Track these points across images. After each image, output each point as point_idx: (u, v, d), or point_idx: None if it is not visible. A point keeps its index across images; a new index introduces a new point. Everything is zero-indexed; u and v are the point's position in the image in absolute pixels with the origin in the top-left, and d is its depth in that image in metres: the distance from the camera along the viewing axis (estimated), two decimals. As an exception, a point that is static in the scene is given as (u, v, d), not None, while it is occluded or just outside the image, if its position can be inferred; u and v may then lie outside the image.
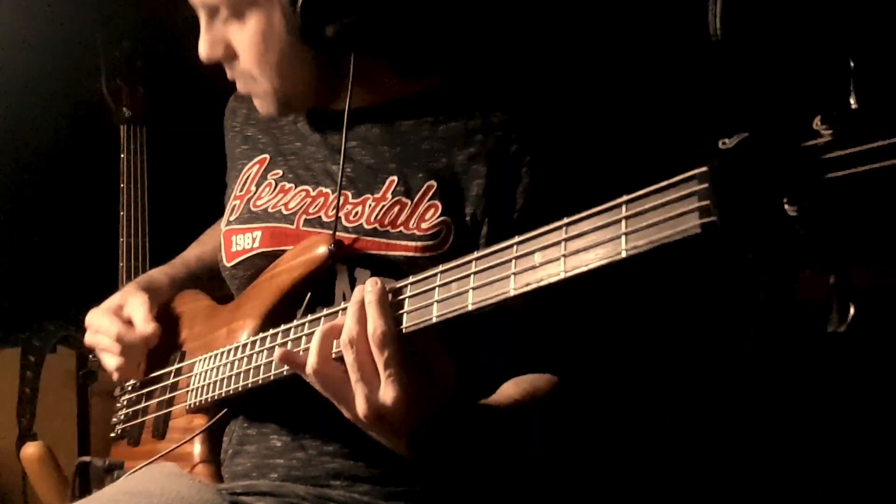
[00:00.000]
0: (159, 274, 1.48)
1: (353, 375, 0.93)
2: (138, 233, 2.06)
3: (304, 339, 1.08)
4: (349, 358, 0.93)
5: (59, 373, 2.21)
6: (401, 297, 0.95)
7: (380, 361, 0.92)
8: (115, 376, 1.36)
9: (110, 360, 1.34)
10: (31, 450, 1.92)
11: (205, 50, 1.22)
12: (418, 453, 0.99)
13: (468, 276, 0.89)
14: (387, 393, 0.92)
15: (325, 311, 1.06)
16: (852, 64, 0.64)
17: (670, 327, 1.70)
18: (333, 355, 0.97)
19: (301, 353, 1.03)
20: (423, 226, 1.16)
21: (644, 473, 1.73)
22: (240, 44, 1.20)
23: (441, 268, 0.93)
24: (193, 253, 1.55)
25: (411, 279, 0.95)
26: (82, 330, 1.40)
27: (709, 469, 1.70)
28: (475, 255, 0.90)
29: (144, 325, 1.33)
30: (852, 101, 0.64)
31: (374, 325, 0.92)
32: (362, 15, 1.14)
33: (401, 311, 0.95)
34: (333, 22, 1.13)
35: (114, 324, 1.33)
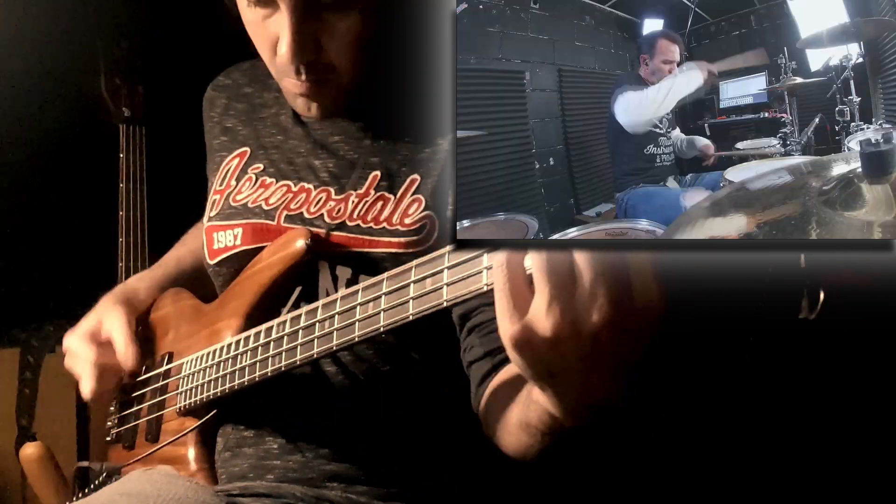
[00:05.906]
0: (136, 281, 1.44)
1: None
2: (137, 233, 2.06)
3: (285, 338, 1.07)
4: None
5: (58, 373, 2.20)
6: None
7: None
8: (89, 398, 1.29)
9: (86, 385, 1.28)
10: (30, 450, 1.91)
11: (297, 53, 1.08)
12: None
13: None
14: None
15: (306, 308, 1.05)
16: None
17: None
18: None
19: (298, 347, 1.04)
20: (407, 221, 1.14)
21: (639, 467, 1.72)
22: (336, 36, 1.09)
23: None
24: (173, 255, 1.52)
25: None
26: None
27: (707, 468, 1.69)
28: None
29: (125, 348, 1.28)
30: None
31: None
32: None
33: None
34: None
35: (90, 349, 1.28)
